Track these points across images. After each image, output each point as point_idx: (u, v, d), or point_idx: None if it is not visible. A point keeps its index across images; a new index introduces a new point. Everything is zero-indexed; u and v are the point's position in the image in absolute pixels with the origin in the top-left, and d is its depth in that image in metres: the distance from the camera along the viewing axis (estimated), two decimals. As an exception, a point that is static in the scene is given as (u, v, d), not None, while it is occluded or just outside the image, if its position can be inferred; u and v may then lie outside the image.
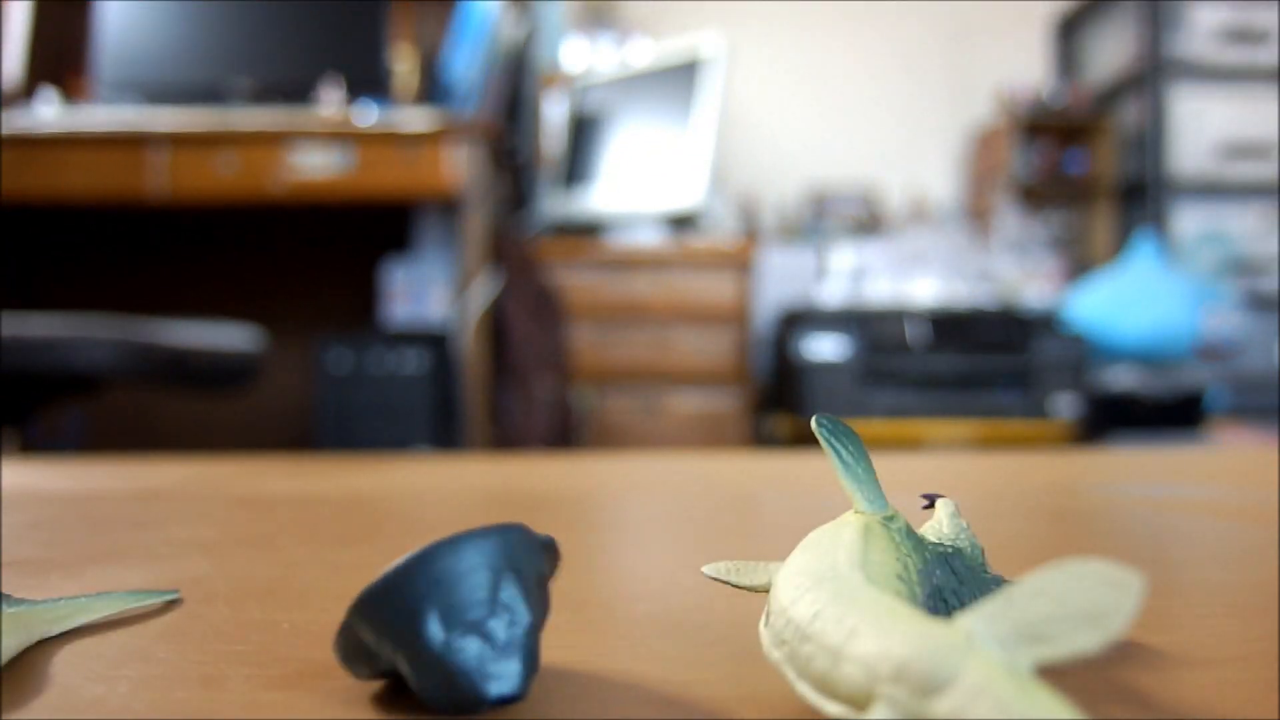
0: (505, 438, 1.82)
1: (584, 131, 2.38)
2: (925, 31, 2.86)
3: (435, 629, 0.14)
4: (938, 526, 0.19)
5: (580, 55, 2.50)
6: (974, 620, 0.12)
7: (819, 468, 0.43)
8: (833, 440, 0.17)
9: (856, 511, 0.16)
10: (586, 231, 2.32)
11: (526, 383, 1.90)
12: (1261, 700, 0.16)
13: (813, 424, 0.17)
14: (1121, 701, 0.16)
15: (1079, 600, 0.12)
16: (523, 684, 0.14)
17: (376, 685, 0.16)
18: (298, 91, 1.87)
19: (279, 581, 0.25)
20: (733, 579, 0.18)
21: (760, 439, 2.18)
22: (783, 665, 0.14)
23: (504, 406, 1.88)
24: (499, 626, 0.14)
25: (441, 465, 0.57)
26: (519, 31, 2.11)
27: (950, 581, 0.16)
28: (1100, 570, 0.12)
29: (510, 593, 0.15)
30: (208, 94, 1.83)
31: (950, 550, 0.17)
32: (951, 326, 2.17)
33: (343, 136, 1.81)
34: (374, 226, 1.99)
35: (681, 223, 2.28)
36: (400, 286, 1.97)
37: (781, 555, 0.26)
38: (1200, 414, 2.32)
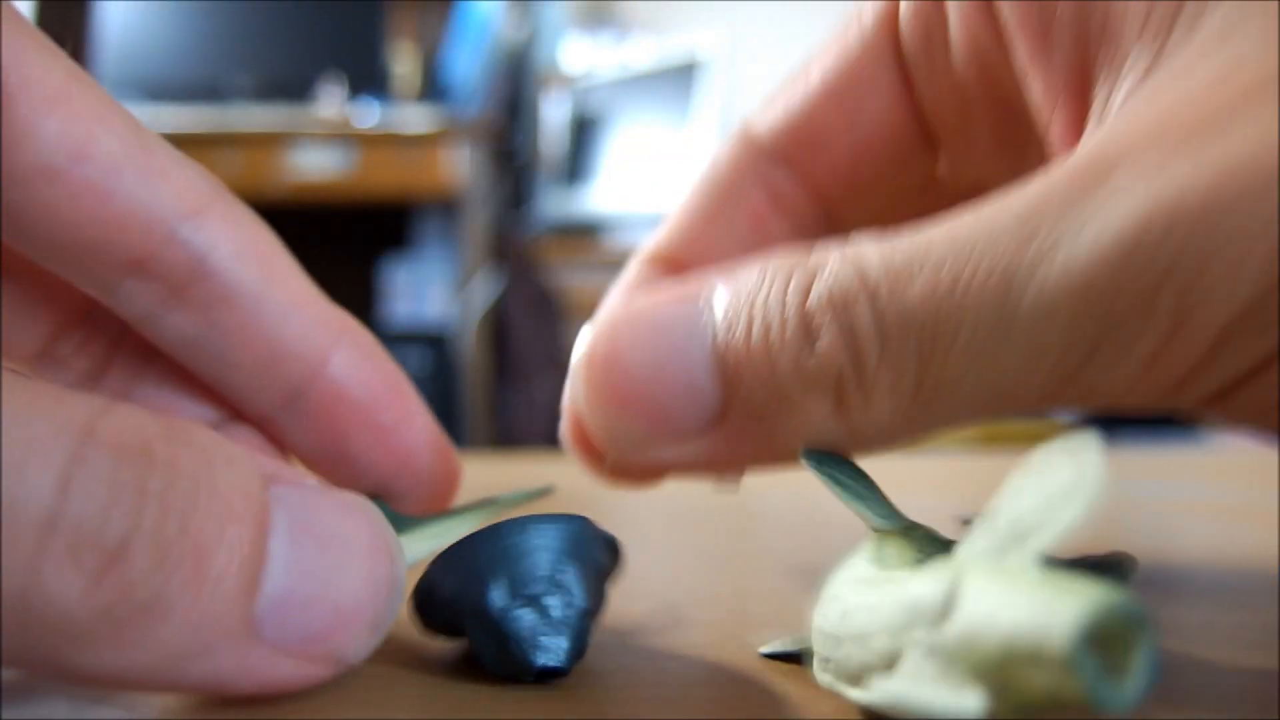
0: (505, 437, 1.83)
1: (585, 131, 2.38)
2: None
3: (497, 595, 0.15)
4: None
5: (581, 55, 2.50)
6: (965, 545, 0.12)
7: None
8: (825, 469, 0.17)
9: (874, 530, 0.16)
10: (587, 231, 2.32)
11: (527, 382, 1.90)
12: (1262, 700, 0.16)
13: (801, 459, 0.17)
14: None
15: (1052, 482, 0.12)
16: (568, 660, 0.15)
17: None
18: (297, 89, 1.87)
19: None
20: (787, 649, 0.17)
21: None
22: (835, 684, 0.14)
23: (504, 406, 1.88)
24: (554, 604, 0.15)
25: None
26: (519, 31, 2.11)
27: None
28: (1062, 446, 0.12)
29: (568, 576, 0.16)
30: (208, 91, 1.83)
31: None
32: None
33: (343, 137, 1.81)
34: (374, 226, 1.99)
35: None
36: (400, 286, 1.97)
37: (782, 555, 0.26)
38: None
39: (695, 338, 0.16)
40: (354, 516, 0.15)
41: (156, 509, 0.12)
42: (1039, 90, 0.18)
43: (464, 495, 0.21)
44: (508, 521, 0.16)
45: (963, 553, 0.12)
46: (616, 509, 0.31)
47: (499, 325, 1.88)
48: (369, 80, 1.93)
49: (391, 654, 0.17)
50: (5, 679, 0.15)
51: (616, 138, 2.36)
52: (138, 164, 0.16)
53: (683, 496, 0.34)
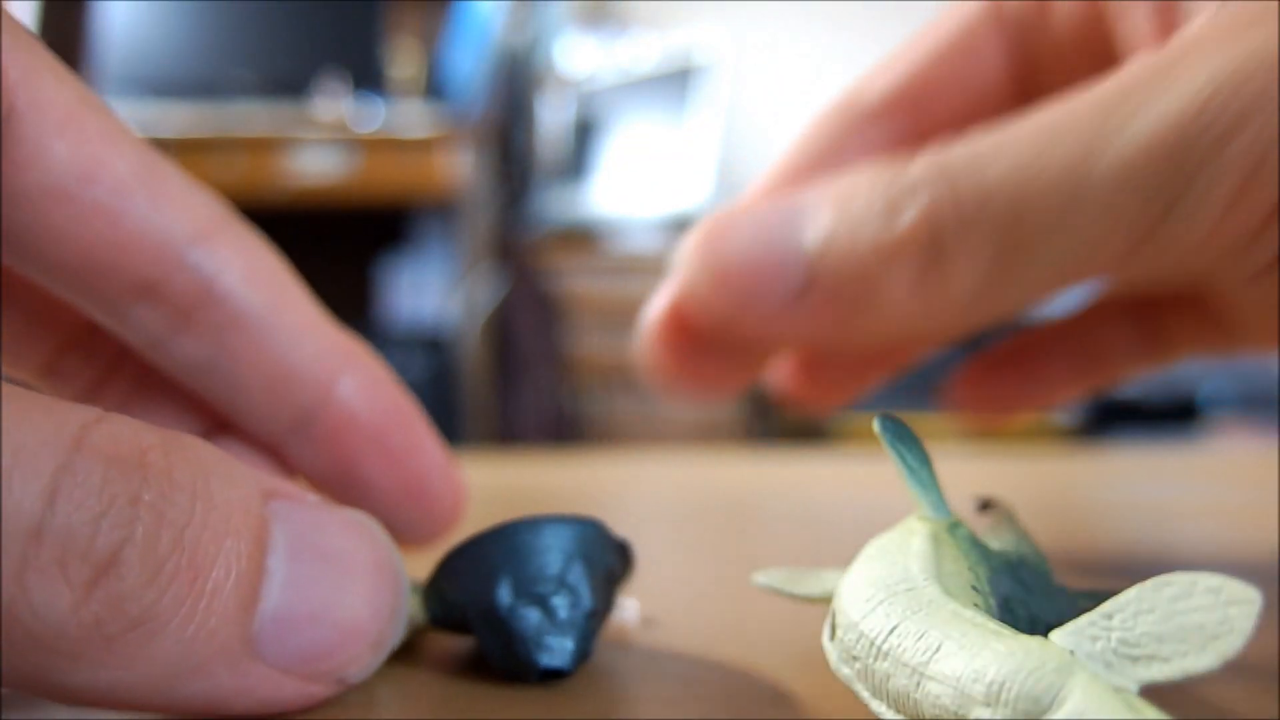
0: (505, 437, 1.83)
1: (585, 132, 2.38)
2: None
3: (505, 593, 0.15)
4: (997, 532, 0.18)
5: (581, 56, 2.50)
6: (1073, 638, 0.12)
7: (817, 467, 0.44)
8: (897, 444, 0.16)
9: (920, 518, 0.15)
10: (587, 233, 2.32)
11: (527, 383, 1.90)
12: (1262, 701, 0.16)
13: (875, 425, 0.16)
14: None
15: (1189, 618, 0.11)
16: (572, 662, 0.15)
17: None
18: (297, 88, 1.87)
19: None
20: (788, 589, 0.17)
21: (760, 439, 2.17)
22: (853, 682, 0.13)
23: (504, 407, 1.88)
24: (561, 605, 0.15)
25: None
26: (519, 32, 2.11)
27: (1018, 591, 0.15)
28: (1211, 585, 0.11)
29: (577, 577, 0.16)
30: (208, 89, 1.83)
31: (1015, 558, 0.16)
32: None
33: (343, 140, 1.81)
34: (374, 228, 1.99)
35: (683, 225, 2.28)
36: (400, 288, 1.97)
37: (783, 554, 0.26)
38: (1200, 414, 2.33)
39: (788, 221, 0.18)
40: (356, 533, 0.14)
41: (150, 520, 0.12)
42: (1132, 28, 0.19)
43: (468, 501, 0.21)
44: (521, 520, 0.16)
45: (1064, 640, 0.12)
46: (617, 509, 0.31)
47: (499, 326, 1.88)
48: (369, 80, 1.93)
49: (394, 652, 0.17)
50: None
51: (617, 139, 2.36)
52: (147, 187, 0.16)
53: (683, 497, 0.34)
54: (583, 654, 0.16)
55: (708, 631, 0.19)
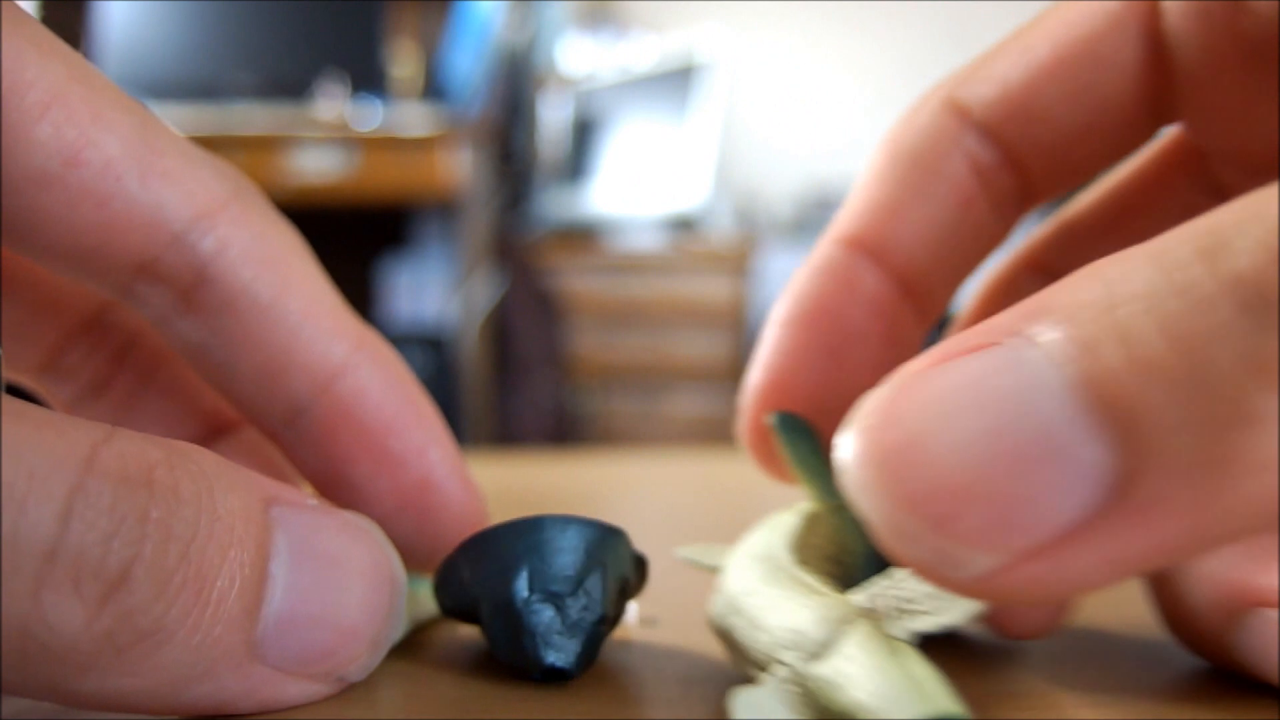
0: (505, 437, 1.83)
1: (585, 132, 2.38)
2: (926, 32, 2.86)
3: (522, 586, 0.15)
4: None
5: (581, 56, 2.50)
6: (865, 596, 0.14)
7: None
8: (789, 437, 0.18)
9: (810, 501, 0.18)
10: (587, 232, 2.31)
11: (527, 383, 1.90)
12: (1262, 700, 0.16)
13: (768, 420, 0.18)
14: (1121, 701, 0.16)
15: None
16: (576, 665, 0.16)
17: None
18: (298, 89, 1.87)
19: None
20: (701, 560, 0.19)
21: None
22: (718, 636, 0.16)
23: (504, 407, 1.88)
24: (575, 606, 0.16)
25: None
26: (519, 32, 2.11)
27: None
28: None
29: (594, 582, 0.16)
30: (208, 91, 1.83)
31: None
32: (950, 325, 2.17)
33: (343, 139, 1.80)
34: (374, 227, 1.99)
35: (682, 224, 2.28)
36: (400, 287, 1.97)
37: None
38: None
39: (1036, 377, 0.10)
40: (354, 537, 0.15)
41: (158, 536, 0.12)
42: None
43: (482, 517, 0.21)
44: (548, 516, 0.16)
45: (858, 599, 0.14)
46: (617, 509, 0.31)
47: (499, 326, 1.88)
48: (369, 80, 1.93)
49: (397, 649, 0.17)
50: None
51: (616, 138, 2.36)
52: (140, 166, 0.16)
53: (683, 497, 0.34)
54: (588, 659, 0.16)
55: (708, 631, 0.19)
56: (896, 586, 0.14)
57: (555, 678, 0.16)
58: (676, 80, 2.34)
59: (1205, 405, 0.10)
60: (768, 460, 0.20)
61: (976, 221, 0.20)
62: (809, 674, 0.13)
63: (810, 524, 0.17)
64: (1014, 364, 0.11)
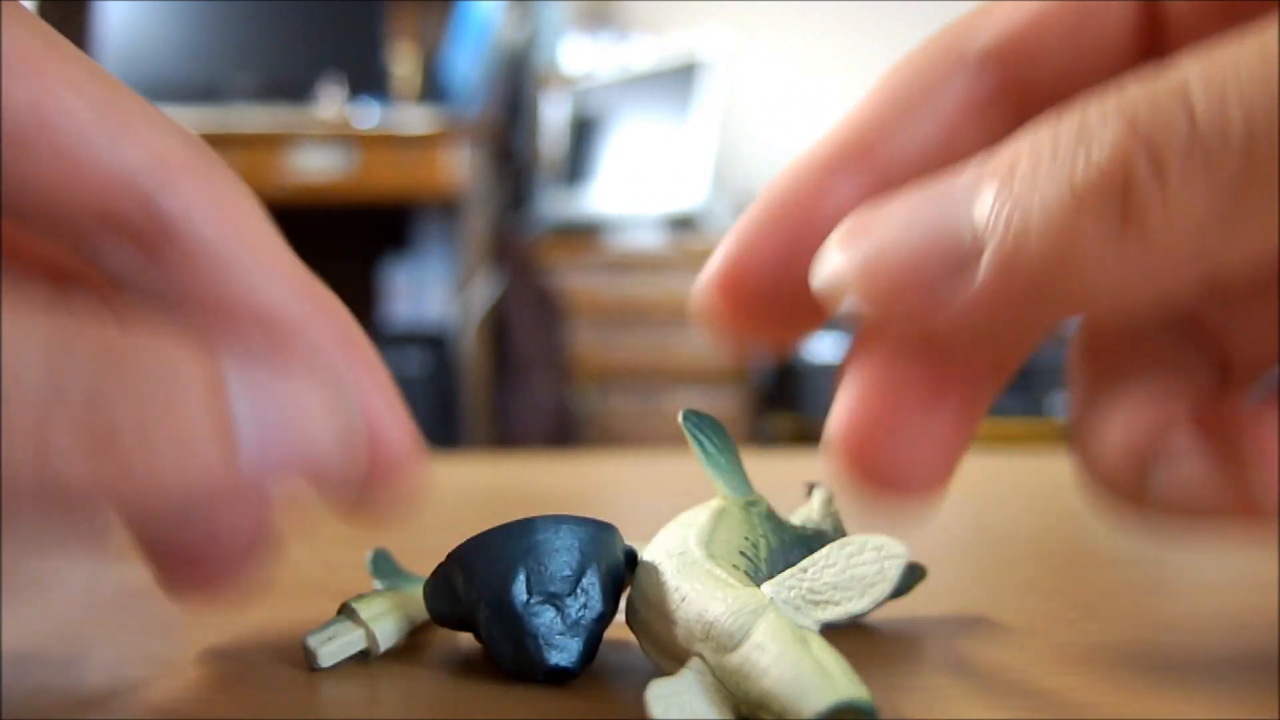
0: (505, 437, 1.83)
1: (584, 132, 2.38)
2: (926, 32, 2.86)
3: (520, 589, 0.16)
4: (809, 512, 0.21)
5: (580, 55, 2.50)
6: (775, 587, 0.14)
7: (816, 468, 0.44)
8: (697, 433, 0.19)
9: (720, 497, 0.18)
10: (587, 232, 2.31)
11: (527, 383, 1.90)
12: (1262, 701, 0.16)
13: (679, 418, 0.18)
14: (1121, 701, 0.16)
15: (858, 570, 0.14)
16: (578, 663, 0.16)
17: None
18: (298, 89, 1.87)
19: (277, 581, 0.25)
20: None
21: (760, 439, 2.18)
22: (633, 631, 0.16)
23: (504, 406, 1.88)
24: (574, 606, 0.16)
25: (441, 465, 0.57)
26: (519, 32, 2.11)
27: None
28: (876, 544, 0.14)
29: (591, 580, 0.16)
30: (209, 91, 1.83)
31: (812, 533, 0.19)
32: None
33: (343, 138, 1.81)
34: (374, 227, 1.99)
35: (682, 224, 2.28)
36: (400, 287, 1.97)
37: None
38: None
39: (947, 201, 0.16)
40: (289, 358, 0.17)
41: (134, 393, 0.14)
42: None
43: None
44: (541, 517, 0.16)
45: (769, 591, 0.14)
46: (617, 508, 0.31)
47: (499, 326, 1.88)
48: (369, 80, 1.93)
49: (396, 650, 0.17)
50: (5, 680, 0.15)
51: (616, 138, 2.36)
52: (106, 125, 0.16)
53: (683, 497, 0.34)
54: (589, 656, 0.16)
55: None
56: (805, 578, 0.14)
57: (558, 678, 0.16)
58: (676, 80, 2.34)
59: (1040, 216, 0.15)
60: (730, 317, 0.20)
61: (963, 151, 0.20)
62: (721, 665, 0.13)
63: (721, 519, 0.17)
64: (949, 197, 0.16)
